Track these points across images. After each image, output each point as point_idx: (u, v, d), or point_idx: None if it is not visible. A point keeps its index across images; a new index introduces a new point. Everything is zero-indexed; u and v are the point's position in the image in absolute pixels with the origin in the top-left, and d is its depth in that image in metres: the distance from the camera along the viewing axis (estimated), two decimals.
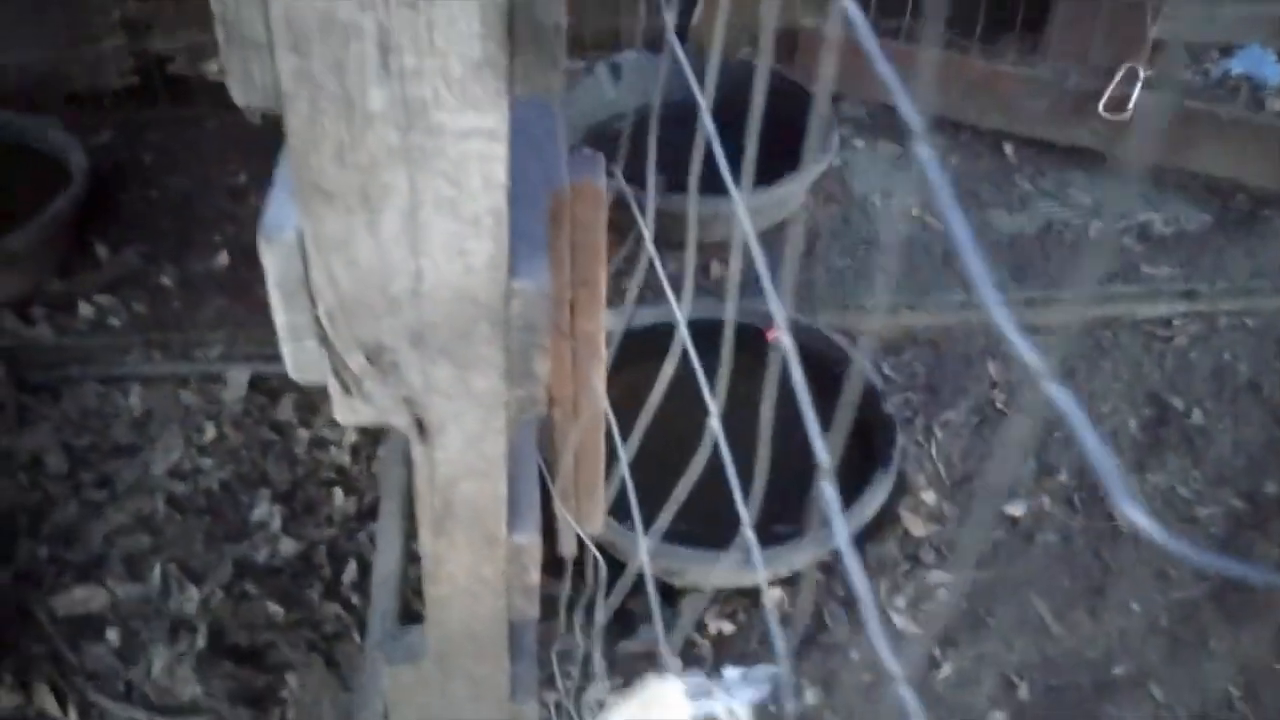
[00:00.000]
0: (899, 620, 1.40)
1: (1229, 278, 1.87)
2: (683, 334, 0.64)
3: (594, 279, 0.98)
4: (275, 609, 1.41)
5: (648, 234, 0.71)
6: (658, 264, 0.70)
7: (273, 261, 0.69)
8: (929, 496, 1.53)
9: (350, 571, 1.46)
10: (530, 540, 0.91)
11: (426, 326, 0.72)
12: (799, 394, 0.42)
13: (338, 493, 1.60)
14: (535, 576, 0.95)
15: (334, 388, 0.76)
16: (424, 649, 1.02)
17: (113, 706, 1.33)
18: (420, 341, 0.73)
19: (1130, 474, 1.58)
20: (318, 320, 0.72)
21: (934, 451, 1.60)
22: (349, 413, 0.78)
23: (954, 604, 1.37)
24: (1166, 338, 1.79)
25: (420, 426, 0.79)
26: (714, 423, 0.58)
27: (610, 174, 0.78)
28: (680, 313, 0.66)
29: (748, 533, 0.54)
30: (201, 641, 1.39)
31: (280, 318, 0.72)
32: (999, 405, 1.68)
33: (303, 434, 1.68)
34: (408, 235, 0.68)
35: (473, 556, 0.90)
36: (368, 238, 0.67)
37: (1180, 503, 1.55)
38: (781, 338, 0.44)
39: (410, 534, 1.34)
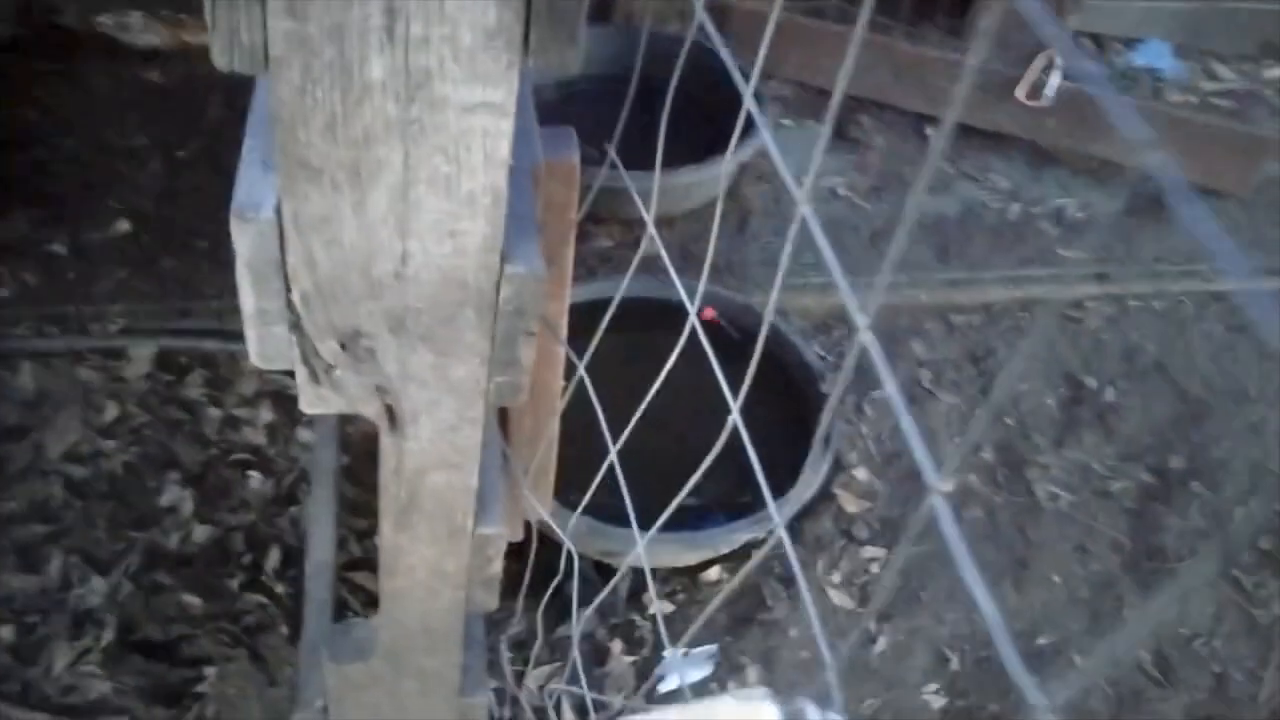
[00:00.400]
0: (835, 595, 1.42)
1: (1137, 262, 1.96)
2: (694, 320, 0.61)
3: (562, 259, 0.94)
4: (191, 600, 1.33)
5: (649, 215, 0.68)
6: (657, 240, 0.67)
7: (246, 243, 0.63)
8: (861, 474, 1.56)
9: (273, 559, 1.39)
10: (496, 531, 0.88)
11: (408, 312, 0.68)
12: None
13: (254, 475, 1.52)
14: (498, 568, 0.92)
15: (302, 376, 0.71)
16: (373, 645, 0.97)
17: (9, 710, 1.23)
18: (400, 328, 0.69)
19: (1049, 450, 1.64)
20: (290, 305, 0.67)
21: (864, 429, 1.63)
22: (316, 402, 0.73)
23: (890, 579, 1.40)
24: (1080, 319, 1.86)
25: (391, 416, 0.75)
26: (735, 417, 0.57)
27: (604, 153, 0.75)
28: (684, 291, 0.64)
29: (782, 534, 0.52)
30: (109, 636, 1.30)
31: (248, 302, 0.67)
32: (925, 384, 1.71)
33: (213, 413, 1.59)
34: (397, 215, 0.64)
35: (435, 549, 0.86)
36: (353, 217, 0.63)
37: (1095, 477, 1.61)
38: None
39: (341, 522, 1.28)
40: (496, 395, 0.76)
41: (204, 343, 1.64)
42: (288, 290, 0.65)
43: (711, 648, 1.34)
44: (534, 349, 0.74)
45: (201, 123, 2.01)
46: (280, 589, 1.35)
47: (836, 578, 1.44)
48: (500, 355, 0.73)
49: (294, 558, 1.39)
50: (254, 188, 0.64)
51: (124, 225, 1.75)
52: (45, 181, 1.83)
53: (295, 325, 0.68)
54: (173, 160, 1.90)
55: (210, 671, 1.28)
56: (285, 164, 0.60)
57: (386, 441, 0.77)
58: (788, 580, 1.42)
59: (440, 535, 0.85)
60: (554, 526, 0.95)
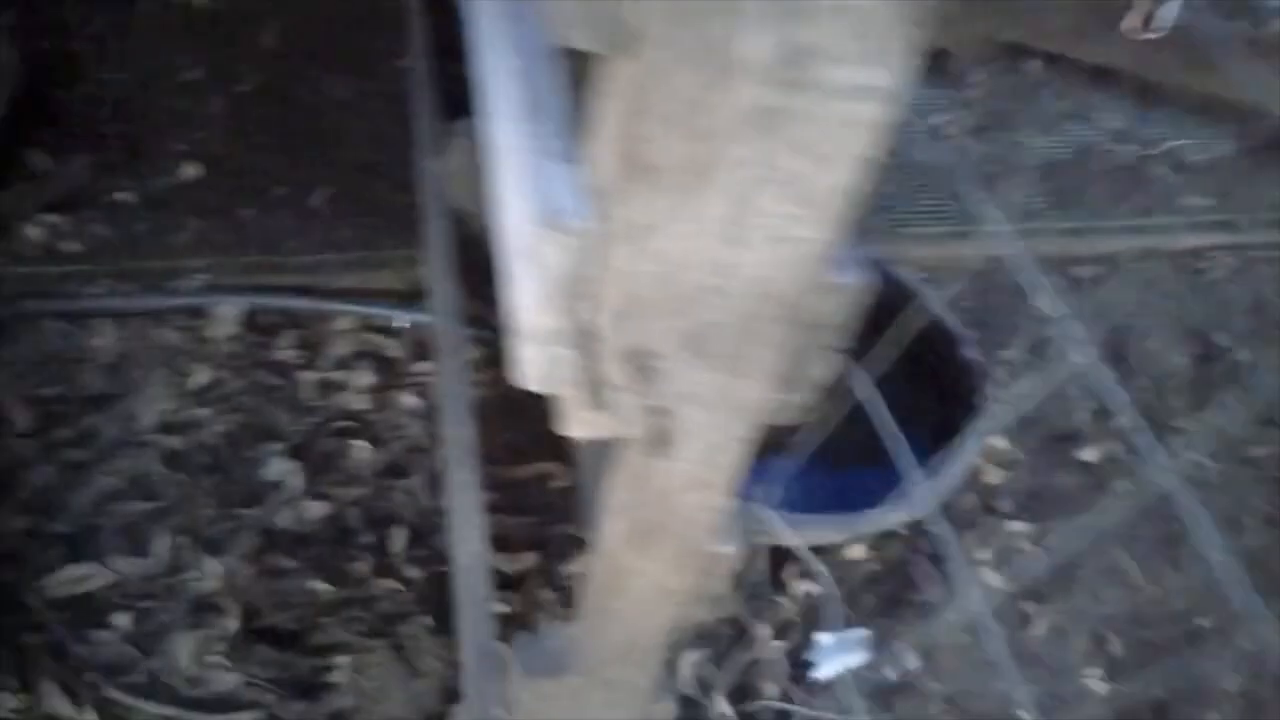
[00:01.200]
0: (986, 574, 1.35)
1: (1260, 208, 1.86)
2: None
3: None
4: (317, 585, 1.25)
5: None
6: None
7: (559, 256, 0.52)
8: (999, 442, 1.48)
9: (398, 539, 1.30)
10: (732, 549, 0.79)
11: (711, 327, 0.58)
12: None
13: (359, 445, 1.42)
14: (724, 585, 0.84)
15: (574, 399, 0.61)
16: (568, 660, 0.90)
17: (136, 703, 1.16)
18: (699, 345, 0.59)
19: (1186, 414, 1.56)
20: (585, 324, 0.56)
21: (996, 392, 1.54)
22: (584, 426, 0.63)
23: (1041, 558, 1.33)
24: (1204, 270, 1.77)
25: (660, 438, 0.65)
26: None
27: None
28: None
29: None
30: (232, 624, 1.22)
31: (538, 321, 0.56)
32: (1053, 343, 1.62)
33: (307, 376, 1.48)
34: (731, 220, 0.53)
35: (664, 568, 0.78)
36: (686, 224, 0.52)
37: (1235, 443, 1.54)
38: None
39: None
40: (770, 415, 0.66)
41: (292, 301, 1.52)
42: (587, 307, 0.55)
43: (863, 632, 1.27)
44: (831, 364, 0.65)
45: (258, 53, 1.86)
46: (413, 573, 1.27)
47: (986, 555, 1.37)
48: (793, 372, 0.63)
49: (421, 538, 1.31)
50: (556, 189, 0.53)
51: (192, 170, 1.62)
52: (97, 121, 1.68)
53: (584, 345, 0.57)
54: (233, 95, 1.76)
55: (341, 661, 1.20)
56: (619, 161, 0.49)
57: (641, 463, 0.68)
58: (936, 558, 1.34)
59: (677, 554, 0.76)
60: (790, 536, 0.86)
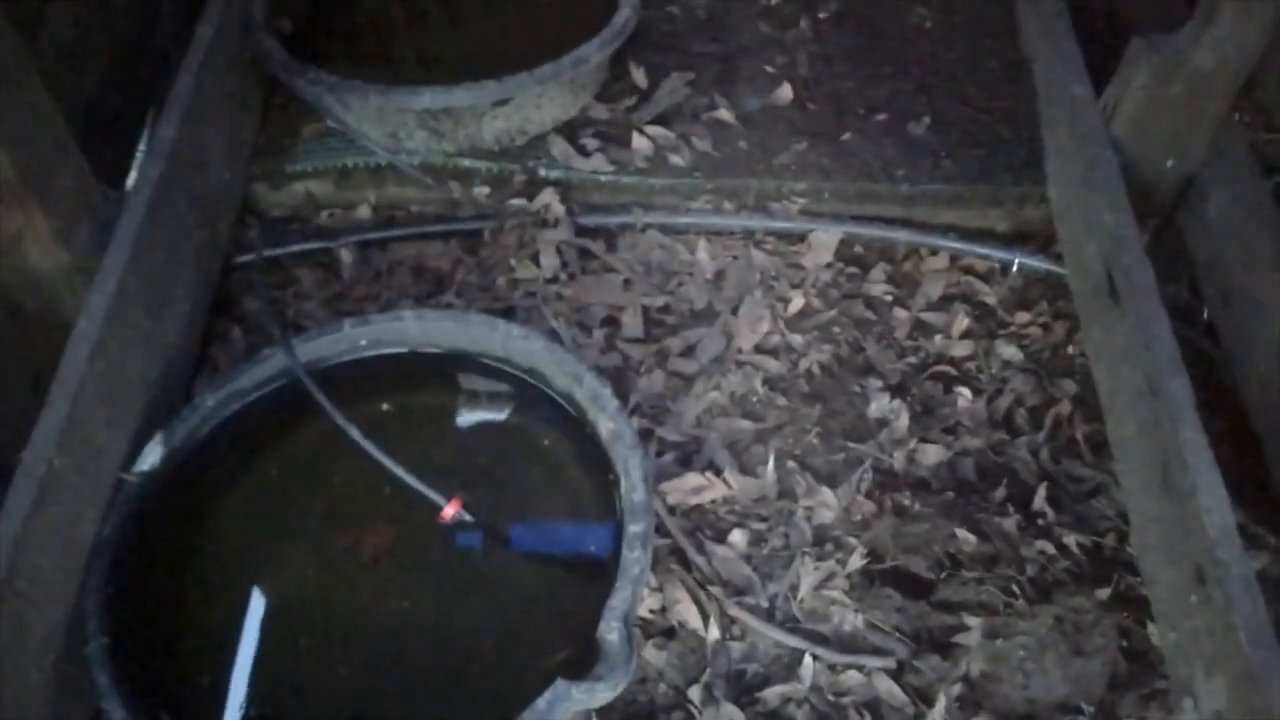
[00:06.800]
0: None
1: None
2: None
3: None
4: (960, 533, 1.14)
5: None
6: None
7: None
8: None
9: (1038, 499, 1.17)
10: None
11: None
12: None
13: (961, 393, 1.30)
14: None
15: None
16: None
17: (760, 626, 1.11)
18: None
19: None
20: None
21: None
22: None
23: None
24: None
25: None
26: None
27: None
28: None
29: None
30: (855, 560, 1.15)
31: None
32: None
33: (900, 315, 1.39)
34: None
35: None
36: None
37: None
38: None
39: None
40: None
41: (893, 233, 1.43)
42: None
43: None
44: None
45: None
46: (1070, 539, 1.13)
47: None
48: None
49: (1056, 503, 1.17)
50: None
51: (786, 92, 1.57)
52: (682, 37, 1.67)
53: None
54: (816, 20, 1.69)
55: (974, 622, 1.09)
56: None
57: None
58: None
59: None
60: None
